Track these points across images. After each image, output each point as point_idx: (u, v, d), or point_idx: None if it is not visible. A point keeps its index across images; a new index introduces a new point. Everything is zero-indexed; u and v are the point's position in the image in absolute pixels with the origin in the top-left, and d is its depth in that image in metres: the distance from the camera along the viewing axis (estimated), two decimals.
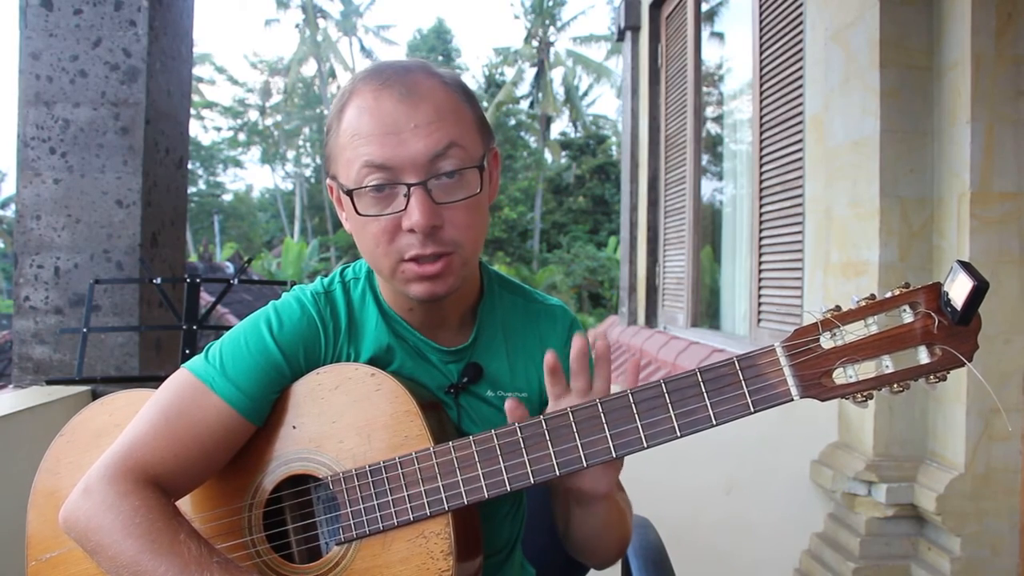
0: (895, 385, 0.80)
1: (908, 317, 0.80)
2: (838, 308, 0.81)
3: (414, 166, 0.88)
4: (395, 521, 0.90)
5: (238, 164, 31.80)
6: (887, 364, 0.80)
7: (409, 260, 0.90)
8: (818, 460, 2.44)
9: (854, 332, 0.81)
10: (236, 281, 2.20)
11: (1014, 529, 2.08)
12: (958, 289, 0.76)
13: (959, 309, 0.76)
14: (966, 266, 0.76)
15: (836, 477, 2.31)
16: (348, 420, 0.93)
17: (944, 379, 0.80)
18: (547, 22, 28.11)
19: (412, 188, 0.88)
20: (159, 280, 2.16)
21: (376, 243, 0.91)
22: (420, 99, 0.89)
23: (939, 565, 2.12)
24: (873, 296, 0.81)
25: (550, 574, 1.22)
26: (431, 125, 0.88)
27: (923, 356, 0.80)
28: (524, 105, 28.53)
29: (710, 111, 4.78)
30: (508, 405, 0.89)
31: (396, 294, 0.99)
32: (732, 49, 4.55)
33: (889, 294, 0.81)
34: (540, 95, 27.72)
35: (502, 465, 0.88)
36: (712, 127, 4.85)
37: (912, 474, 2.19)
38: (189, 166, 2.71)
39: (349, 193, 0.91)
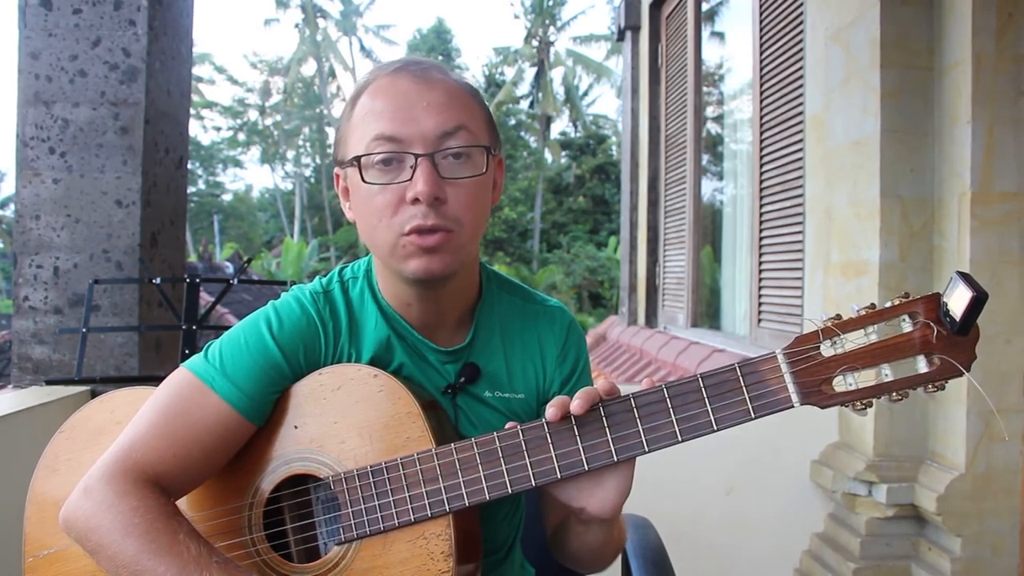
0: (894, 393, 0.82)
1: (907, 327, 0.81)
2: (839, 316, 0.83)
3: (423, 139, 0.90)
4: (395, 522, 0.90)
5: (238, 164, 31.82)
6: (886, 373, 0.82)
7: (410, 233, 0.90)
8: (818, 460, 2.44)
9: (854, 341, 0.82)
10: (236, 281, 2.20)
11: (1014, 529, 2.08)
12: (957, 300, 0.77)
13: (958, 319, 0.78)
14: (965, 277, 0.77)
15: (836, 477, 2.30)
16: (350, 420, 0.93)
17: (943, 388, 0.82)
18: (547, 22, 28.11)
19: (419, 159, 0.89)
20: (159, 280, 2.16)
21: (379, 216, 0.91)
22: (434, 83, 0.93)
23: (939, 565, 2.12)
24: (873, 305, 0.82)
25: (549, 574, 1.22)
26: (442, 106, 0.91)
27: (922, 365, 0.81)
28: (524, 105, 28.54)
29: (710, 111, 4.78)
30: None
31: (395, 289, 0.99)
32: (732, 49, 4.55)
33: (889, 304, 0.82)
34: (540, 95, 27.72)
35: (504, 467, 0.88)
36: (712, 127, 4.85)
37: (912, 474, 2.18)
38: (189, 166, 2.70)
39: (357, 160, 0.91)
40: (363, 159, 0.91)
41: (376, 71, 0.96)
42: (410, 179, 0.89)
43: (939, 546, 2.14)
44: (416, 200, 0.89)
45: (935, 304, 0.80)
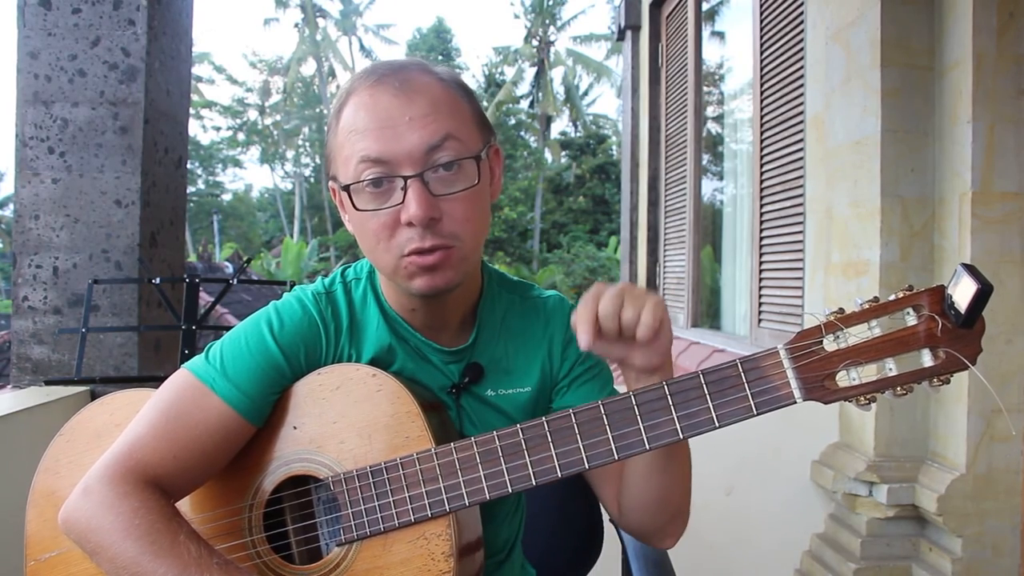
0: (898, 388, 0.80)
1: (912, 320, 0.80)
2: (841, 311, 0.81)
3: (410, 158, 0.88)
4: (396, 522, 0.90)
5: (237, 164, 31.82)
6: (890, 367, 0.80)
7: (410, 254, 0.89)
8: (819, 460, 2.44)
9: (857, 335, 0.80)
10: (235, 281, 2.20)
11: (1015, 530, 2.08)
12: (962, 292, 0.76)
13: (963, 312, 0.76)
14: (970, 269, 0.75)
15: (837, 477, 2.30)
16: (349, 421, 0.93)
17: (948, 382, 0.80)
18: (547, 21, 28.13)
19: (409, 180, 0.88)
20: (158, 280, 2.16)
21: (376, 239, 0.90)
22: (415, 93, 0.89)
23: (940, 566, 2.11)
24: (876, 299, 0.81)
25: (550, 575, 1.21)
26: (426, 118, 0.88)
27: (927, 359, 0.79)
28: (524, 105, 28.55)
29: (710, 111, 4.78)
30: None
31: (398, 294, 0.98)
32: (733, 48, 4.55)
33: (892, 297, 0.80)
34: (540, 95, 27.74)
35: (504, 467, 0.88)
36: (712, 127, 4.85)
37: (913, 475, 2.18)
38: (188, 166, 2.70)
39: (347, 188, 0.90)
40: (352, 187, 0.90)
41: (356, 81, 0.93)
42: (402, 202, 0.88)
43: (940, 546, 2.14)
44: (410, 223, 0.88)
45: (940, 297, 0.79)
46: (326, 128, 0.96)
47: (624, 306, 0.83)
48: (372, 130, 0.88)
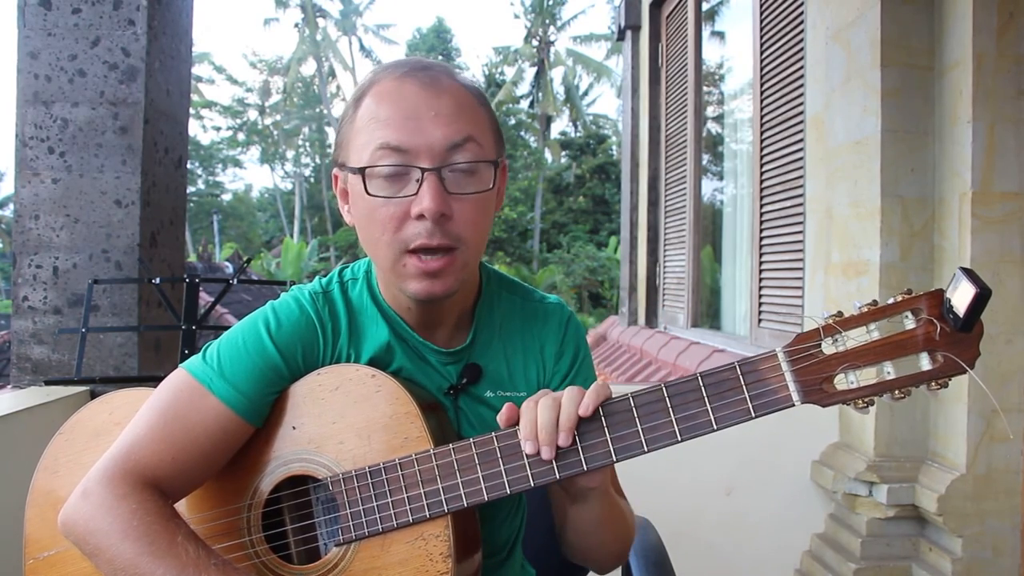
0: (896, 391, 0.80)
1: (910, 323, 0.80)
2: (840, 314, 0.81)
3: (430, 152, 0.88)
4: (394, 523, 0.90)
5: (237, 164, 31.82)
6: (889, 370, 0.80)
7: (412, 252, 0.89)
8: (819, 460, 2.44)
9: (856, 338, 0.80)
10: (235, 281, 2.20)
11: (1015, 530, 2.08)
12: (960, 296, 0.76)
13: (961, 316, 0.76)
14: (969, 273, 0.76)
15: (837, 477, 2.30)
16: (348, 421, 0.93)
17: (946, 386, 0.80)
18: (547, 21, 28.13)
19: (426, 173, 0.88)
20: (158, 280, 2.16)
21: (382, 230, 0.90)
22: (443, 91, 0.90)
23: (940, 566, 2.11)
24: (875, 302, 0.81)
25: (550, 574, 1.21)
26: (451, 116, 0.89)
27: (925, 363, 0.80)
28: (524, 105, 28.55)
29: (710, 111, 4.78)
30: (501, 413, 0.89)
31: (395, 292, 0.98)
32: (733, 48, 4.55)
33: (891, 300, 0.81)
34: (540, 95, 27.74)
35: (502, 468, 0.88)
36: (713, 127, 4.85)
37: (913, 475, 2.18)
38: (188, 166, 2.70)
39: (361, 172, 0.89)
40: (367, 170, 0.89)
41: (381, 72, 0.93)
42: (415, 193, 0.88)
43: (940, 547, 2.14)
44: (421, 216, 0.87)
45: (938, 301, 0.79)
46: (341, 116, 0.96)
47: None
48: (396, 119, 0.88)
